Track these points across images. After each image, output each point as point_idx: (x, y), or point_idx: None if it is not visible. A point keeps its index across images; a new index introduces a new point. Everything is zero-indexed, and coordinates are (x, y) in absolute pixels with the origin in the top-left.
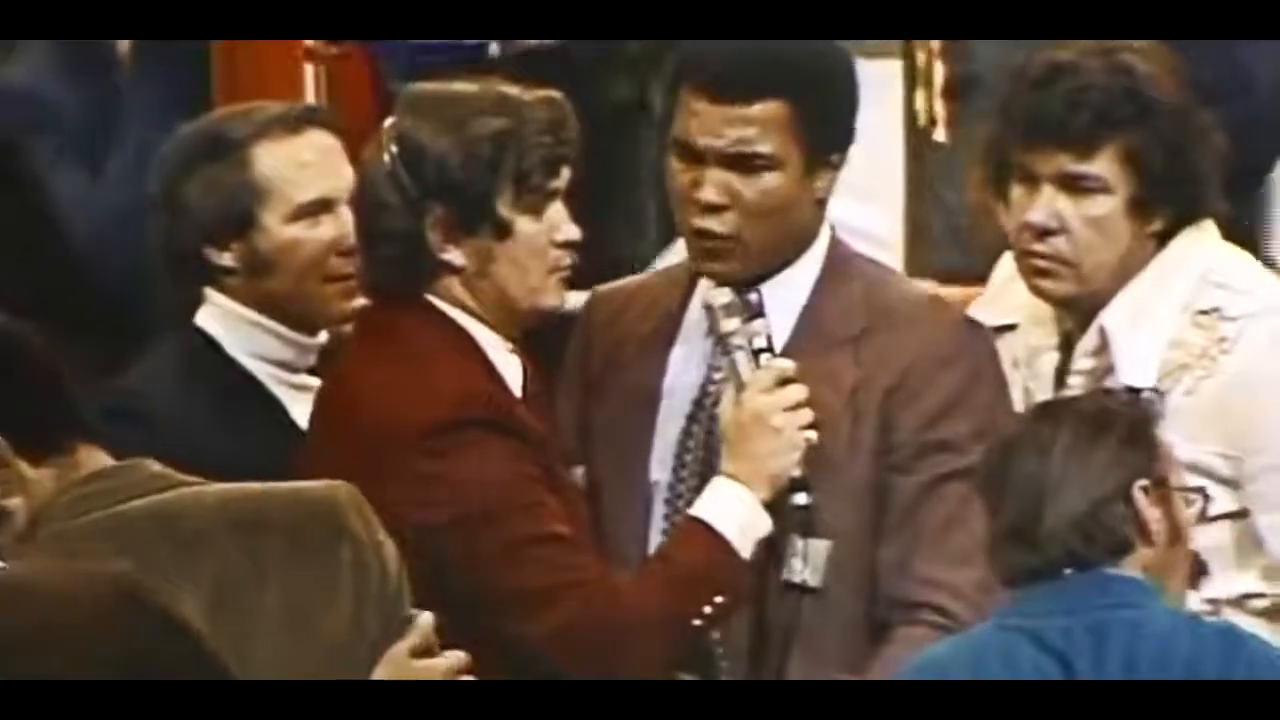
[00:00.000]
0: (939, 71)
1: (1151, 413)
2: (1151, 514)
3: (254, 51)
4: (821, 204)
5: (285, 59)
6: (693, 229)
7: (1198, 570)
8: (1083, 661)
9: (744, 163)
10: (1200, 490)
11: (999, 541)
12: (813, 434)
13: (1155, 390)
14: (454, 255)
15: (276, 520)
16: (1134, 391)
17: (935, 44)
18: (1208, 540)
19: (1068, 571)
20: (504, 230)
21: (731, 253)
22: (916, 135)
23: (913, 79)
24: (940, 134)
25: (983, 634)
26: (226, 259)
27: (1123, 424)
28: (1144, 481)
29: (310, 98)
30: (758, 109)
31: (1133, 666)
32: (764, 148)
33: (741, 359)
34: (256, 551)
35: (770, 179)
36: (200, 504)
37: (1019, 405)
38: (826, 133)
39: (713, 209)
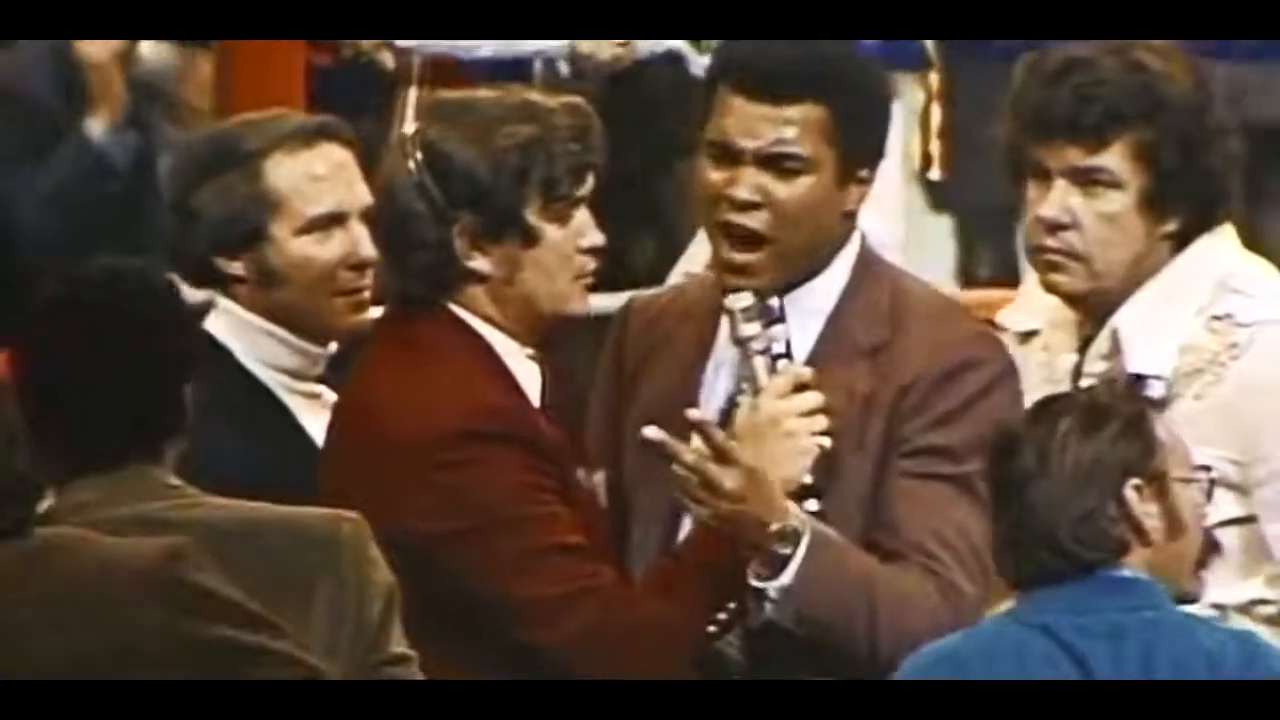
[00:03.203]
0: (936, 114)
1: (1150, 403)
2: (1146, 512)
3: (254, 52)
4: (851, 216)
5: (285, 60)
6: (723, 227)
7: (1208, 551)
8: (1100, 661)
9: (779, 164)
10: (1206, 469)
11: (1001, 544)
12: (826, 440)
13: (1159, 378)
14: (481, 263)
15: (265, 546)
16: (1139, 378)
17: (935, 84)
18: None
19: (1080, 574)
20: (532, 238)
21: (760, 255)
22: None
23: (911, 121)
24: (935, 173)
25: (997, 628)
26: (236, 268)
27: (1118, 419)
28: (1136, 481)
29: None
30: (797, 110)
31: (1151, 668)
32: (801, 149)
33: (759, 364)
34: (237, 575)
35: (804, 182)
36: (188, 521)
37: None
38: (861, 141)
39: (746, 207)
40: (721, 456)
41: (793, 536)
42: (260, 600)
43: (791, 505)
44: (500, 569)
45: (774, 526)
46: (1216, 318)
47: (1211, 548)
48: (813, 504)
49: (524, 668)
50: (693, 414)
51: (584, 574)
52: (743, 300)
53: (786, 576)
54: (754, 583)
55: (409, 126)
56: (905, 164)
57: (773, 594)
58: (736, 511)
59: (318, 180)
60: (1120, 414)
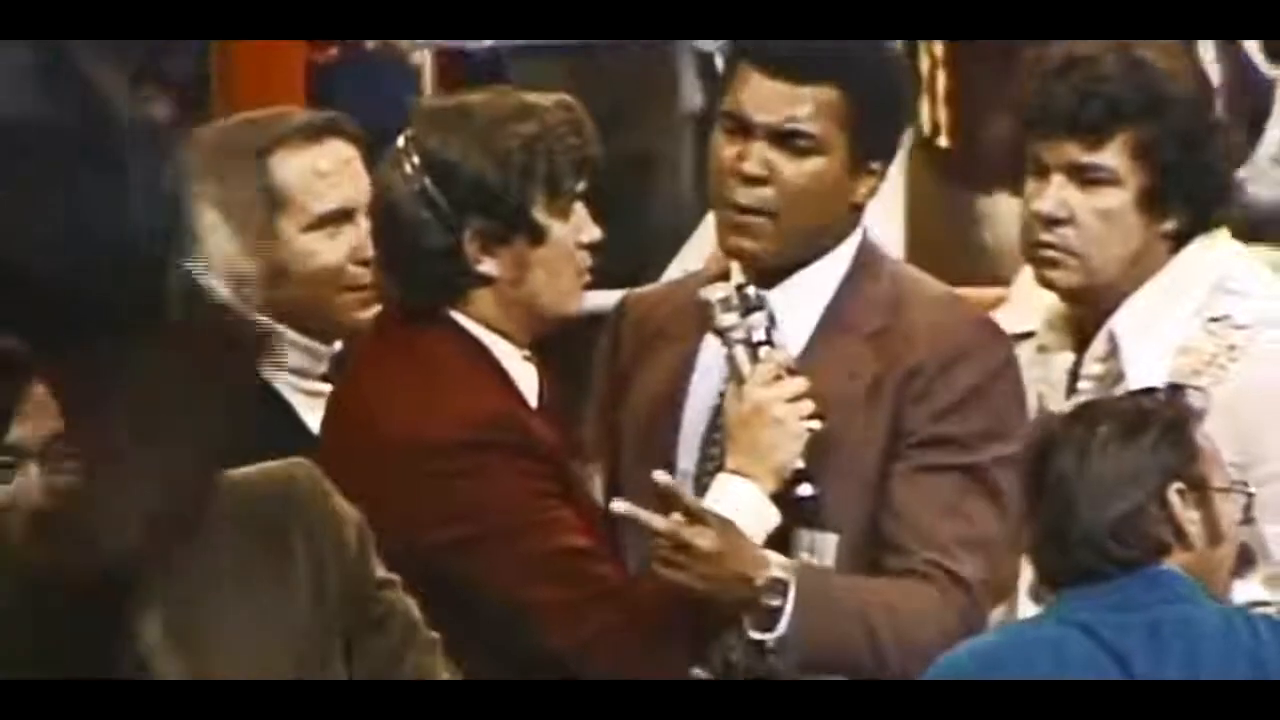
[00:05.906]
0: (941, 80)
1: (1191, 412)
2: (1187, 517)
3: (254, 51)
4: (857, 209)
5: (285, 59)
6: (729, 201)
7: (1244, 561)
8: (1141, 659)
9: (790, 142)
10: (1243, 484)
11: (1037, 543)
12: (815, 424)
13: (1198, 388)
14: (490, 266)
15: (233, 509)
16: (1177, 388)
17: (939, 52)
18: None
19: (1120, 571)
20: (539, 236)
21: (762, 230)
22: (923, 144)
23: (918, 88)
24: (943, 140)
25: (1034, 628)
26: None
27: (1159, 425)
28: (1179, 485)
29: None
30: (812, 90)
31: (1194, 664)
32: (813, 129)
33: (740, 353)
34: (209, 545)
35: (813, 163)
36: None
37: (1032, 409)
38: (874, 132)
39: (753, 181)
40: (693, 518)
41: (781, 587)
42: (241, 561)
43: (772, 554)
44: (512, 576)
45: (760, 581)
46: (1214, 320)
47: (1245, 558)
48: (807, 489)
49: (537, 673)
50: (660, 477)
51: (596, 576)
52: (719, 291)
53: (781, 628)
54: (751, 635)
55: (400, 138)
56: (909, 152)
57: (772, 645)
58: (717, 570)
59: (323, 176)
60: (1161, 420)
